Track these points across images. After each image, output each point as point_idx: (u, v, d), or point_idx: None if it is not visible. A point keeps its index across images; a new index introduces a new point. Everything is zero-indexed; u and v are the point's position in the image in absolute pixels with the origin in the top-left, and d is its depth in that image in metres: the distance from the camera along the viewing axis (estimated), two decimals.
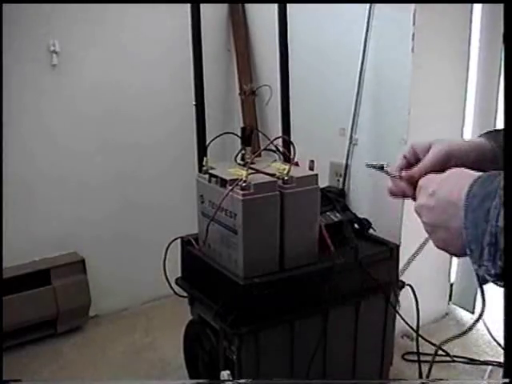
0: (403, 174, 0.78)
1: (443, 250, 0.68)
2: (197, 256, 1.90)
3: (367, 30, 2.20)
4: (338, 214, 1.99)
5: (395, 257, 1.97)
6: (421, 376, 1.94)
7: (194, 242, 1.93)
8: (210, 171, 1.79)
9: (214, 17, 2.75)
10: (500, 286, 0.57)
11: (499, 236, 0.54)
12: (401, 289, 2.01)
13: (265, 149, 1.94)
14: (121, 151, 2.65)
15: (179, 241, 1.97)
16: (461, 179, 0.63)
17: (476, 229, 0.57)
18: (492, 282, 0.58)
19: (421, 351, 1.96)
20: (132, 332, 2.57)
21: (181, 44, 2.25)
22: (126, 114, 2.63)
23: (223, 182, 1.71)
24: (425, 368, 1.97)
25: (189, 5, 1.90)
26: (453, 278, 2.64)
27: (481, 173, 0.62)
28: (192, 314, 2.00)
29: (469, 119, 2.40)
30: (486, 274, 0.57)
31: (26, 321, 2.39)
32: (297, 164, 1.86)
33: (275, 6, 2.10)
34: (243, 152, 1.85)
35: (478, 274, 0.60)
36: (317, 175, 1.78)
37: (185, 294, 1.98)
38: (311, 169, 1.84)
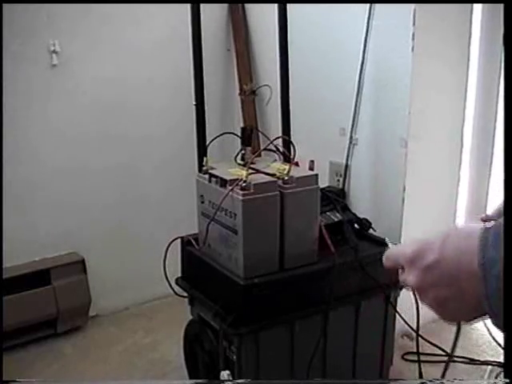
0: None
1: (452, 321, 0.62)
2: (197, 256, 1.90)
3: (367, 30, 2.20)
4: (337, 214, 1.99)
5: None
6: (421, 376, 1.93)
7: (193, 242, 1.93)
8: (210, 171, 1.79)
9: (213, 17, 2.75)
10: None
11: None
12: (401, 289, 2.01)
13: (265, 149, 1.94)
14: (121, 152, 2.65)
15: (179, 241, 1.97)
16: (465, 240, 0.55)
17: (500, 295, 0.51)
18: None
19: (421, 351, 1.96)
20: (132, 332, 2.57)
21: (181, 44, 2.25)
22: (125, 114, 2.63)
23: (223, 182, 1.71)
24: (425, 368, 1.97)
25: (189, 5, 1.91)
26: None
27: (480, 226, 0.54)
28: (192, 314, 2.00)
29: (469, 119, 2.40)
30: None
31: (25, 321, 2.40)
32: (297, 164, 1.86)
33: (275, 6, 2.10)
34: (243, 152, 1.85)
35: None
36: (317, 175, 1.78)
37: (185, 294, 1.98)
38: (311, 169, 1.84)
